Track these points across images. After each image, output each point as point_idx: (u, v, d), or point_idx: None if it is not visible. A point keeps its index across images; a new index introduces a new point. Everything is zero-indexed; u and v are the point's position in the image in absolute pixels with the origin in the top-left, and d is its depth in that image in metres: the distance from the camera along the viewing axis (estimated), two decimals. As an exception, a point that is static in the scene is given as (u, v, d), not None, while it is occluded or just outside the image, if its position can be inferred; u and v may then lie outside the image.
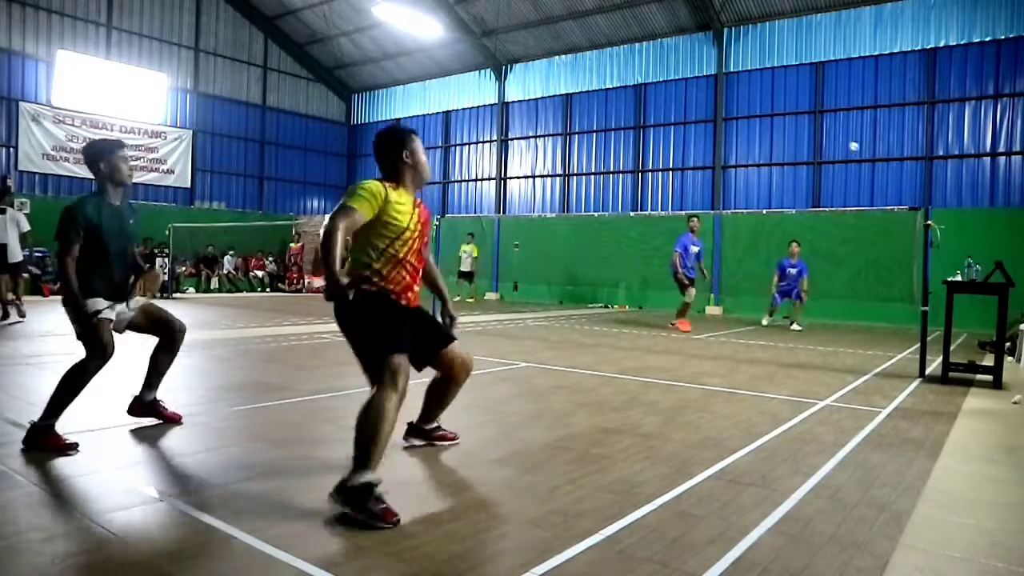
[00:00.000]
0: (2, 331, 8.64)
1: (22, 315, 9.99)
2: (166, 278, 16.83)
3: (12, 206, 10.03)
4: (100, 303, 3.86)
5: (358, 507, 2.66)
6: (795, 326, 11.66)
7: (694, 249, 11.24)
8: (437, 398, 3.70)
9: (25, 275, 10.55)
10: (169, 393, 5.13)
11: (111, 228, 3.85)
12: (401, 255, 3.21)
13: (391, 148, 3.31)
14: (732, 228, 16.12)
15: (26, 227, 9.94)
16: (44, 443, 3.54)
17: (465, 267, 17.03)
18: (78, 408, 4.51)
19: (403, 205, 3.22)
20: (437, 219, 12.38)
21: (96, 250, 3.81)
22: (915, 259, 7.51)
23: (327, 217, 3.05)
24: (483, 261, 18.97)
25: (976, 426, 4.76)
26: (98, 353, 3.88)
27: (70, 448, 3.54)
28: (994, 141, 13.77)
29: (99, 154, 3.92)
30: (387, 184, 3.23)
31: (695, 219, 11.50)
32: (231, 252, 20.53)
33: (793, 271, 12.09)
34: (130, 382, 5.67)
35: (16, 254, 9.88)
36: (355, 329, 3.18)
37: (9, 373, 5.66)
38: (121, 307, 4.02)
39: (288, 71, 23.35)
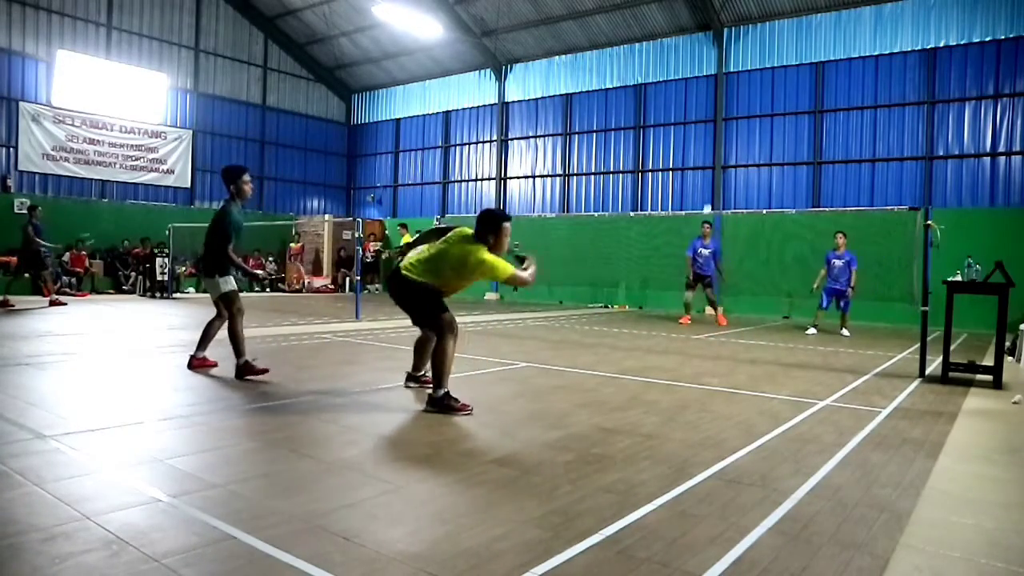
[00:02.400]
0: (2, 331, 8.65)
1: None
2: (166, 278, 16.85)
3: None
4: (232, 280, 6.01)
5: (444, 408, 4.61)
6: (844, 331, 10.99)
7: (703, 252, 12.62)
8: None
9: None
10: (170, 393, 5.14)
11: (241, 226, 5.96)
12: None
13: (489, 226, 4.79)
14: (732, 228, 16.11)
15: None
16: (247, 373, 5.67)
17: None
18: (79, 408, 4.52)
19: None
20: (437, 219, 12.41)
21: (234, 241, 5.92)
22: (915, 259, 7.50)
23: (519, 280, 4.75)
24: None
25: (976, 426, 4.76)
26: (240, 312, 5.94)
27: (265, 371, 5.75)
28: (994, 141, 13.76)
29: (235, 176, 5.96)
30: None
31: (705, 224, 12.85)
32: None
33: (839, 263, 11.02)
34: (127, 384, 5.69)
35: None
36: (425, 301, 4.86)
37: (9, 373, 5.66)
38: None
39: (288, 71, 23.34)
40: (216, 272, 5.96)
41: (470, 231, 4.84)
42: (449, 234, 4.94)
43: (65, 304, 12.62)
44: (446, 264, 4.73)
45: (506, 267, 4.70)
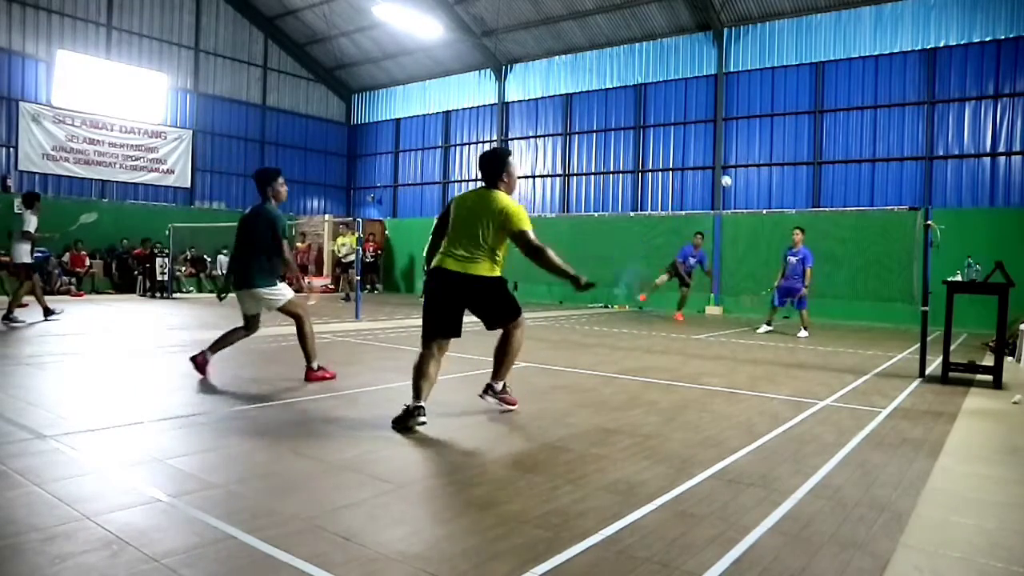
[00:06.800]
0: (2, 331, 8.64)
1: (49, 313, 10.10)
2: (165, 278, 16.84)
3: (31, 207, 9.91)
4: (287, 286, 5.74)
5: (499, 399, 4.69)
6: (801, 333, 10.69)
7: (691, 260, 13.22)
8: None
9: (36, 275, 10.46)
10: (170, 394, 5.14)
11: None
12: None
13: (496, 167, 4.35)
14: (732, 228, 16.09)
15: (28, 227, 9.80)
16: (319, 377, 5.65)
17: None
18: (79, 408, 4.52)
19: None
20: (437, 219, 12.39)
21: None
22: (915, 259, 7.50)
23: (528, 238, 4.20)
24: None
25: (976, 426, 4.76)
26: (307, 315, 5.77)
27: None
28: (994, 141, 13.76)
29: (271, 178, 5.79)
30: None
31: (698, 235, 13.24)
32: (224, 251, 20.46)
33: (794, 259, 10.82)
34: (127, 384, 5.68)
35: (16, 255, 9.93)
36: (502, 294, 4.44)
37: (9, 373, 5.66)
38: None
39: (288, 71, 23.34)
40: (268, 282, 5.59)
41: (476, 191, 4.34)
42: (459, 204, 4.31)
43: (22, 322, 9.55)
44: (487, 231, 4.14)
45: (527, 219, 4.20)
